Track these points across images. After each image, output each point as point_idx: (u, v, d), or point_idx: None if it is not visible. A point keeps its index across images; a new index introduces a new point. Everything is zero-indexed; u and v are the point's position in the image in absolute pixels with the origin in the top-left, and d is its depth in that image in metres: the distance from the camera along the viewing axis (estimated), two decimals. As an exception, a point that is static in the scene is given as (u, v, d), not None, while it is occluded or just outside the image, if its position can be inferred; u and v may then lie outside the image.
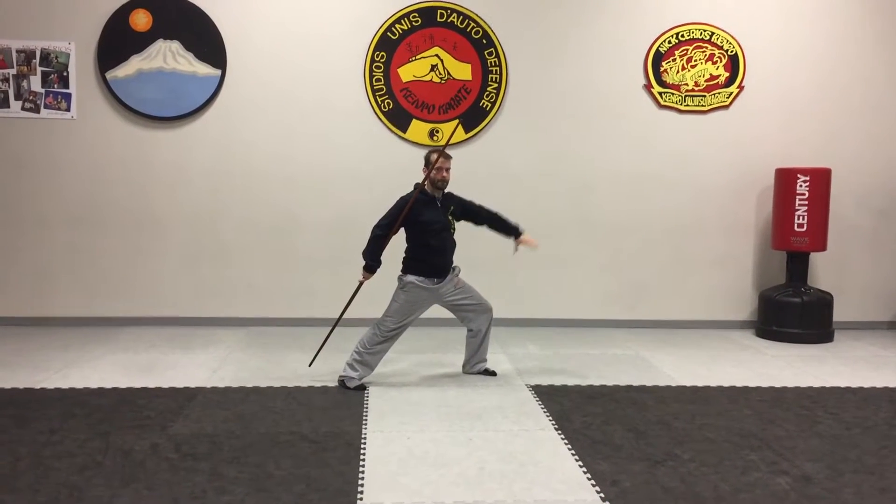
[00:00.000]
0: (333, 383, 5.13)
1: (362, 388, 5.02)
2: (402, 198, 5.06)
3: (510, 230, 5.32)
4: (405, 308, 5.04)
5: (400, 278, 5.09)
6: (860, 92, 7.22)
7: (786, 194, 6.82)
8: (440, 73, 6.95)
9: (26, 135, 6.75)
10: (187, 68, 6.77)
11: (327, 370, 5.41)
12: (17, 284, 6.86)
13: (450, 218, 5.14)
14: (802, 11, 7.13)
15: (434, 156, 5.02)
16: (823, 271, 7.33)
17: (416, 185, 5.11)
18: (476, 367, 5.46)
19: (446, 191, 5.16)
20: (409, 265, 5.08)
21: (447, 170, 5.05)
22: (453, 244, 5.21)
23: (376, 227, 5.02)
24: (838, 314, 7.07)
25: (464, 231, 7.05)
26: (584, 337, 6.79)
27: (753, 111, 7.18)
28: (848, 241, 7.32)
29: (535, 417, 4.51)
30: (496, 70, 6.98)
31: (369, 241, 5.02)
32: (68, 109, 6.76)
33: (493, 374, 5.44)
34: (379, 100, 6.93)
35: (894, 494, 3.50)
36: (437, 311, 7.02)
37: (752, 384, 5.32)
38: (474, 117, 7.00)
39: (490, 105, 7.00)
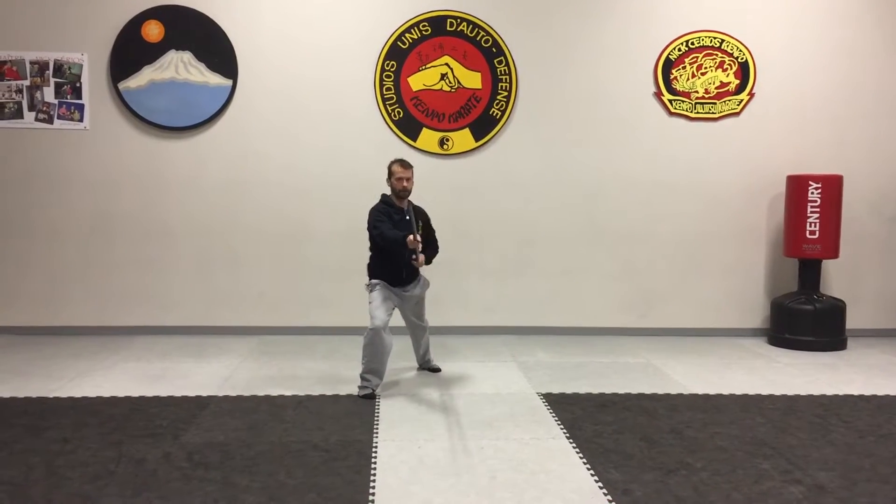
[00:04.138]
0: (344, 392, 5.13)
1: (372, 396, 5.02)
2: (373, 209, 5.17)
3: (426, 255, 5.21)
4: (381, 300, 5.09)
5: (366, 285, 5.24)
6: (871, 98, 7.19)
7: (797, 201, 6.79)
8: (450, 82, 6.97)
9: (40, 145, 6.80)
10: (199, 78, 6.82)
11: (338, 379, 5.42)
12: (30, 294, 6.90)
13: (419, 232, 5.08)
14: (813, 18, 7.12)
15: (394, 165, 5.15)
16: (836, 278, 7.30)
17: (382, 196, 5.26)
18: (425, 364, 5.76)
19: (418, 205, 5.31)
20: (371, 271, 5.23)
21: (407, 179, 5.13)
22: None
23: (380, 238, 5.03)
24: (851, 321, 7.02)
25: (473, 239, 7.09)
26: (594, 345, 6.77)
27: (764, 118, 7.16)
28: (860, 247, 7.28)
29: (547, 426, 4.50)
30: (506, 78, 6.99)
31: (385, 243, 5.01)
32: (81, 120, 6.81)
33: (438, 370, 5.73)
34: (389, 109, 6.95)
35: (909, 504, 3.47)
36: (446, 318, 7.04)
37: (764, 392, 5.29)
38: (484, 126, 7.01)
39: (500, 113, 7.01)
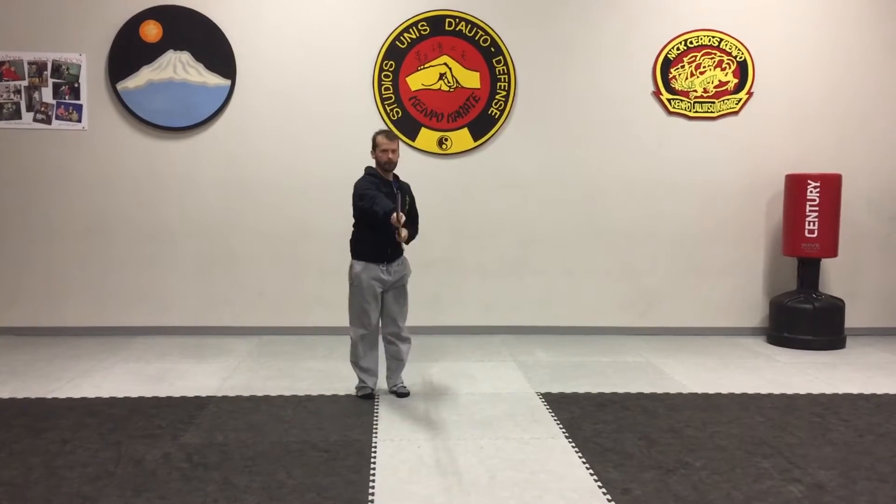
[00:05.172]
0: (344, 392, 5.13)
1: (371, 396, 5.02)
2: (361, 180, 4.90)
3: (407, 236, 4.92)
4: (362, 302, 4.89)
5: (350, 269, 4.95)
6: (870, 97, 7.20)
7: (796, 200, 6.80)
8: (449, 82, 6.97)
9: (38, 146, 6.79)
10: (197, 79, 6.81)
11: (338, 379, 5.42)
12: (29, 295, 6.89)
13: (406, 207, 4.92)
14: (811, 17, 7.12)
15: (379, 137, 4.88)
16: (835, 277, 7.30)
17: (367, 168, 4.99)
18: (392, 387, 5.17)
19: (403, 181, 5.05)
20: (355, 248, 4.97)
21: (393, 151, 4.88)
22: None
23: (365, 207, 4.74)
24: (850, 320, 7.03)
25: (472, 238, 7.09)
26: (594, 344, 6.77)
27: (763, 117, 7.16)
28: (859, 246, 7.28)
29: (546, 425, 4.50)
30: (505, 78, 6.99)
31: (367, 212, 4.74)
32: (79, 120, 6.81)
33: (406, 394, 5.11)
34: (388, 108, 6.95)
35: (908, 502, 3.48)
36: (446, 318, 7.04)
37: (763, 391, 5.30)
38: (483, 125, 7.01)
39: (499, 113, 7.01)
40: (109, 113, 6.83)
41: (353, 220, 5.03)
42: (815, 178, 6.72)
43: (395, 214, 4.53)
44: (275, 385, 5.31)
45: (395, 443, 4.18)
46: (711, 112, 7.13)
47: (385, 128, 5.00)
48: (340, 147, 6.94)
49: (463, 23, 6.93)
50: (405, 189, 5.05)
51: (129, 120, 6.84)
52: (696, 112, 7.12)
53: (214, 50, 6.80)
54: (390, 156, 4.89)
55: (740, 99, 7.13)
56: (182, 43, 6.78)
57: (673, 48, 7.07)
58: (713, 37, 7.07)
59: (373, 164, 5.01)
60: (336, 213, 6.93)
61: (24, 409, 4.72)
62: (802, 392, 5.29)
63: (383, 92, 6.93)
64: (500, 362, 6.07)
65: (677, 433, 4.38)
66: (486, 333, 7.09)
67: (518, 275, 7.16)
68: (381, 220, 4.64)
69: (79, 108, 6.80)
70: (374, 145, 4.92)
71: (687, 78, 7.09)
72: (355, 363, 5.06)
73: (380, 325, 5.08)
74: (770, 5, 7.09)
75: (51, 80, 6.76)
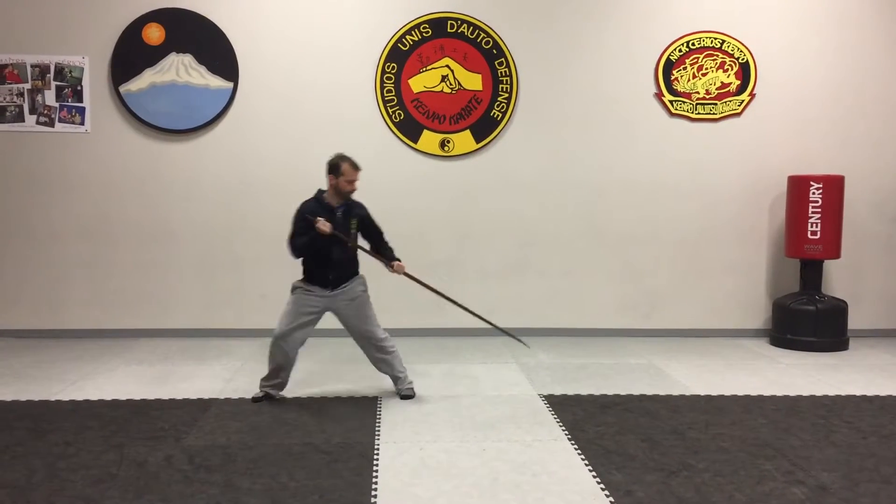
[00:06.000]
0: (346, 394, 5.13)
1: (268, 397, 4.99)
2: (300, 211, 4.88)
3: (388, 257, 4.98)
4: (292, 309, 4.83)
5: (293, 284, 4.93)
6: (873, 98, 7.19)
7: (799, 202, 6.79)
8: (451, 84, 6.97)
9: (41, 148, 6.81)
10: (200, 81, 6.82)
11: (339, 381, 5.42)
12: (32, 297, 6.90)
13: (352, 230, 4.87)
14: (814, 18, 7.11)
15: (345, 164, 4.78)
16: (838, 279, 7.29)
17: (319, 191, 4.94)
18: (399, 390, 5.13)
19: (357, 201, 4.96)
20: (303, 270, 4.93)
21: (357, 181, 4.83)
22: (348, 257, 4.90)
23: (292, 251, 4.83)
24: (853, 322, 7.02)
25: (474, 240, 7.08)
26: (596, 346, 6.77)
27: (765, 119, 7.15)
28: (862, 248, 7.27)
29: (549, 427, 4.50)
30: (507, 80, 6.99)
31: (300, 252, 4.82)
32: (82, 123, 6.82)
33: (411, 396, 5.08)
34: (390, 111, 6.95)
35: (912, 504, 3.47)
36: (447, 320, 7.04)
37: (766, 393, 5.29)
38: (485, 127, 7.01)
39: (501, 115, 7.01)
40: (112, 115, 6.84)
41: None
42: (817, 179, 6.71)
43: (318, 223, 4.61)
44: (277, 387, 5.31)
45: (397, 445, 4.18)
46: (714, 114, 7.13)
47: (346, 154, 4.87)
48: (342, 149, 6.81)
49: (465, 25, 6.94)
50: (353, 212, 4.91)
51: (132, 122, 6.85)
52: (699, 114, 7.12)
53: (217, 52, 6.81)
54: (355, 186, 4.84)
55: (743, 100, 7.13)
56: (185, 45, 6.79)
57: (675, 50, 7.06)
58: (715, 38, 7.07)
59: (324, 185, 4.92)
60: (338, 215, 6.95)
61: (26, 411, 4.72)
62: (805, 394, 5.28)
63: (385, 94, 6.94)
64: (502, 364, 6.07)
65: (680, 435, 4.37)
66: (488, 335, 7.07)
67: (520, 276, 7.15)
68: (312, 245, 4.73)
69: (82, 111, 6.81)
70: (339, 172, 4.78)
71: (689, 80, 7.09)
72: (268, 370, 4.99)
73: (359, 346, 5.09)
74: (772, 7, 7.09)
75: (53, 83, 6.77)
